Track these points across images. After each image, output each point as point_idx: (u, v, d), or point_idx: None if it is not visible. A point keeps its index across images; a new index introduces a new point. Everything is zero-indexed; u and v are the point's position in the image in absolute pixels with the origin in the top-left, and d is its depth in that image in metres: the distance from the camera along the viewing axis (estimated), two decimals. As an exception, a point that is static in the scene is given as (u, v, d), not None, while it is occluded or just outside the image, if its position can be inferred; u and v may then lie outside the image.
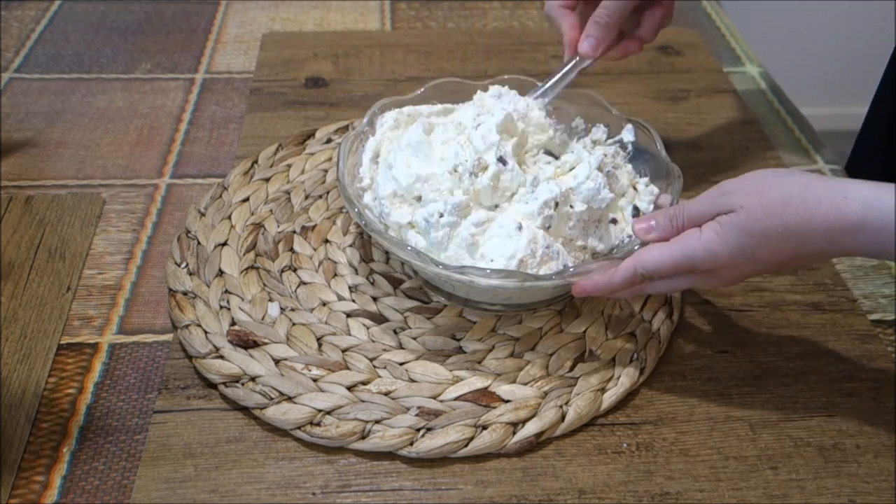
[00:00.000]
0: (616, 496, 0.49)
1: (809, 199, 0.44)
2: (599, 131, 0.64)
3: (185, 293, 0.59)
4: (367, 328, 0.57)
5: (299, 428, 0.51)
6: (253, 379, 0.53)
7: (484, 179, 0.54)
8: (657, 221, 0.51)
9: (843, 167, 0.77)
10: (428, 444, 0.50)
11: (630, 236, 0.56)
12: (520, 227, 0.53)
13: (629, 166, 0.61)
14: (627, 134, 0.63)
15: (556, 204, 0.54)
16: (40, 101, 0.80)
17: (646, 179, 0.60)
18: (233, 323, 0.57)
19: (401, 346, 0.56)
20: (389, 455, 0.51)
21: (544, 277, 0.51)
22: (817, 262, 0.64)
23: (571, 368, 0.55)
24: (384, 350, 0.56)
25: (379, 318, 0.58)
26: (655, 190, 0.59)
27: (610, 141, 0.64)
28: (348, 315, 0.58)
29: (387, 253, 0.63)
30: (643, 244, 0.52)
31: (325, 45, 0.90)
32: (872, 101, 0.82)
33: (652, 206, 0.58)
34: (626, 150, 0.62)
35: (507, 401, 0.53)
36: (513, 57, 0.89)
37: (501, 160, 0.55)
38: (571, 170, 0.58)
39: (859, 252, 0.45)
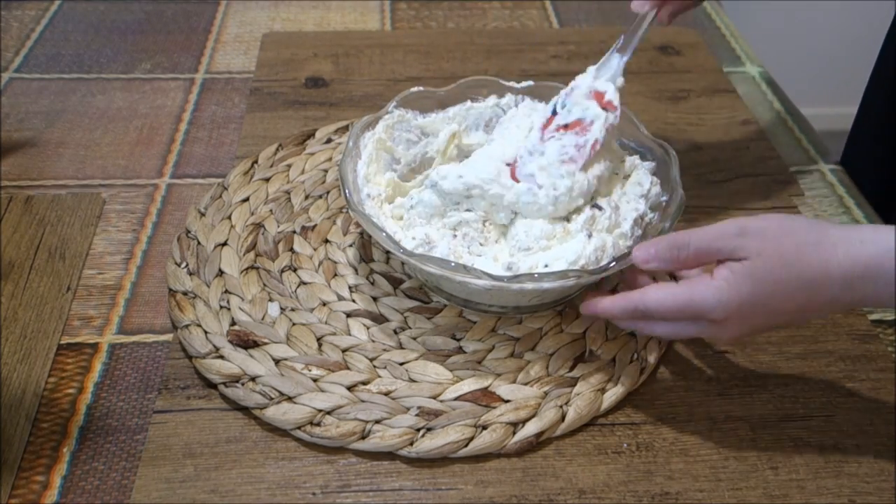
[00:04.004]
0: (616, 496, 0.49)
1: (825, 248, 0.44)
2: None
3: (185, 293, 0.59)
4: (367, 328, 0.57)
5: (299, 428, 0.51)
6: (253, 379, 0.53)
7: (577, 223, 0.55)
8: (658, 250, 0.48)
9: (838, 161, 0.77)
10: (428, 444, 0.50)
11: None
12: (590, 235, 0.53)
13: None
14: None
15: (641, 219, 0.55)
16: (40, 101, 0.80)
17: (647, 169, 0.60)
18: (233, 323, 0.57)
19: (401, 346, 0.56)
20: (389, 455, 0.51)
21: (546, 278, 0.51)
22: (829, 312, 0.59)
23: (571, 368, 0.55)
24: (384, 350, 0.56)
25: (379, 318, 0.58)
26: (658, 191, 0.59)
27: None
28: (348, 315, 0.58)
29: (387, 253, 0.63)
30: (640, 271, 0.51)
31: (325, 45, 0.90)
32: (864, 95, 0.82)
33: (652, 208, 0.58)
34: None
35: (508, 401, 0.53)
36: (513, 57, 0.89)
37: (597, 206, 0.55)
38: (626, 177, 0.58)
39: (873, 300, 0.44)
